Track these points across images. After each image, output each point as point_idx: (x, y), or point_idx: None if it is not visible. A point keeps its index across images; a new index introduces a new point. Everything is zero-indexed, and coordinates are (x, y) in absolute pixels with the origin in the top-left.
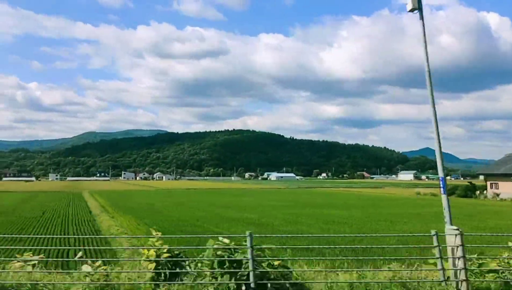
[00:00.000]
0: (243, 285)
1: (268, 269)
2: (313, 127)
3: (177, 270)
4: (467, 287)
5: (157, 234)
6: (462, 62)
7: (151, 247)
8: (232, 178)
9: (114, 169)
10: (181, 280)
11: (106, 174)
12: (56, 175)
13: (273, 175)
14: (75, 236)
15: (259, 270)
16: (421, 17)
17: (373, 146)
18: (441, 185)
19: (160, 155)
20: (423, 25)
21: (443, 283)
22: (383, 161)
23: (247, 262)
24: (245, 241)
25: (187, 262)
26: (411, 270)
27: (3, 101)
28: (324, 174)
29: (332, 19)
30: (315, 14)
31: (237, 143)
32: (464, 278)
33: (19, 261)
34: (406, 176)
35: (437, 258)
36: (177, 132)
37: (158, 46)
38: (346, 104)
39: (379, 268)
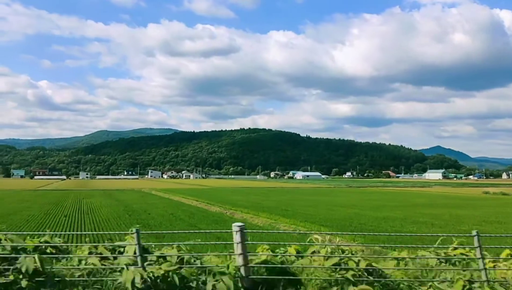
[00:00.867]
0: None
1: None
2: (324, 125)
3: None
4: None
5: None
6: (474, 60)
7: None
8: (257, 176)
9: (134, 167)
10: None
11: (132, 172)
12: (87, 174)
13: (299, 174)
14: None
15: None
16: None
17: (390, 144)
18: None
19: (179, 153)
20: None
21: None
22: (400, 160)
23: None
24: None
25: None
26: None
27: (15, 100)
28: (348, 173)
29: (343, 17)
30: (326, 12)
31: (254, 142)
32: None
33: None
34: (434, 175)
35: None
36: (193, 131)
37: (168, 44)
38: (358, 102)
39: None
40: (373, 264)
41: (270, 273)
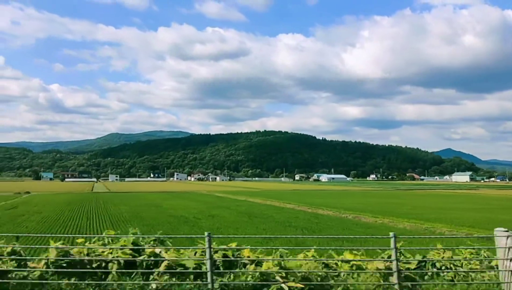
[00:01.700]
0: None
1: None
2: (333, 128)
3: None
4: None
5: None
6: (486, 61)
7: None
8: (282, 179)
9: (154, 169)
10: None
11: (159, 175)
12: (116, 176)
13: (324, 177)
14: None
15: None
16: None
17: (406, 147)
18: None
19: (197, 156)
20: None
21: None
22: (418, 163)
23: None
24: None
25: None
26: None
27: (28, 104)
28: (373, 176)
29: (354, 19)
30: (336, 15)
31: (270, 144)
32: None
33: None
34: (462, 177)
35: None
36: (209, 134)
37: (179, 48)
38: (367, 104)
39: None
40: None
41: None
